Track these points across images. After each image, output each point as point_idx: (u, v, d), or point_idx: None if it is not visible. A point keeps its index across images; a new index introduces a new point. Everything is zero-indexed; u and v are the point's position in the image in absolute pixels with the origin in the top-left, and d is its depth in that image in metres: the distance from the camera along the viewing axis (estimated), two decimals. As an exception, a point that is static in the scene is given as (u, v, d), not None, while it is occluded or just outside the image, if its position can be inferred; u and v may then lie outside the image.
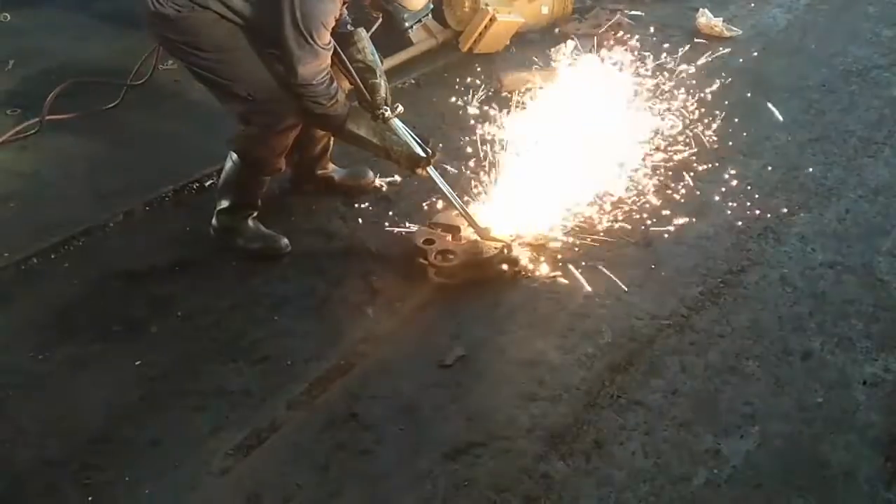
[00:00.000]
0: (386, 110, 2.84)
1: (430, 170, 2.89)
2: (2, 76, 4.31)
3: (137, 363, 2.52)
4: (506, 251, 2.86)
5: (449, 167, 3.39)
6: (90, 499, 2.10)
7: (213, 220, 3.01)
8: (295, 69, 2.59)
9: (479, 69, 4.40)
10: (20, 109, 3.97)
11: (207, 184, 3.38)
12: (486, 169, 3.42)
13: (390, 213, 3.21)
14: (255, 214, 3.03)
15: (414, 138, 2.87)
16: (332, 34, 2.79)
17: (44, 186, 3.39)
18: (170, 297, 2.79)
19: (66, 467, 2.18)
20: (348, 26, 2.93)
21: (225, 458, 2.21)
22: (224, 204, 2.98)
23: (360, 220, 3.19)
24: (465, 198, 3.05)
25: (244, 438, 2.26)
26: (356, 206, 3.27)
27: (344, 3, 2.72)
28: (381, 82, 2.86)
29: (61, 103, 3.82)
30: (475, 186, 3.26)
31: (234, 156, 2.89)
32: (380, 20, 4.29)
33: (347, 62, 2.82)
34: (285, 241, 3.01)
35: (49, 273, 2.92)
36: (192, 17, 2.57)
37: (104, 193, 3.32)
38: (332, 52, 2.68)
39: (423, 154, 2.85)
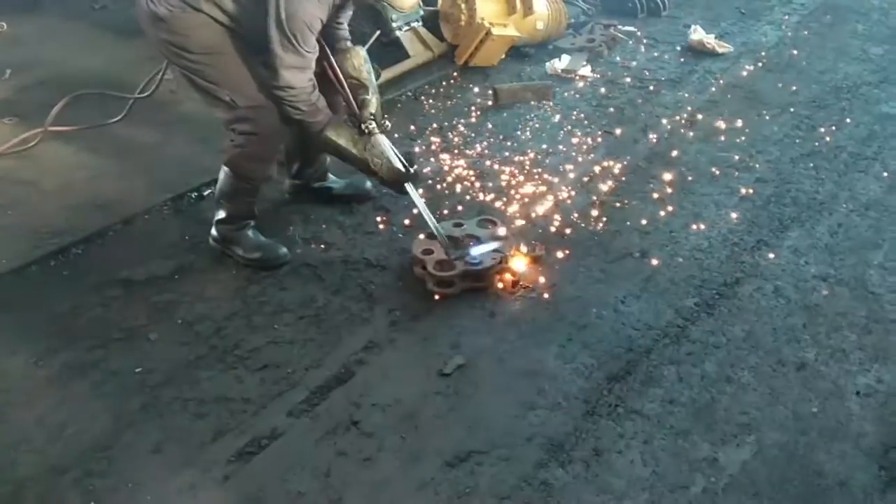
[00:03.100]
0: (371, 124, 2.87)
1: (409, 187, 2.91)
2: (-1, 85, 4.33)
3: (138, 370, 2.52)
4: (504, 262, 2.89)
5: (439, 180, 3.44)
6: (92, 504, 2.11)
7: (212, 230, 3.03)
8: (278, 71, 2.62)
9: (474, 82, 4.45)
10: (17, 118, 3.99)
11: (205, 193, 3.39)
12: (480, 180, 3.47)
13: (388, 223, 3.24)
14: (253, 224, 3.04)
15: (397, 156, 2.89)
16: (332, 50, 2.83)
17: (43, 195, 3.40)
18: (169, 305, 2.80)
19: (68, 473, 2.19)
20: (348, 42, 2.96)
21: (226, 464, 2.22)
22: (221, 214, 3.00)
23: (358, 230, 3.21)
24: (451, 214, 3.07)
25: (245, 445, 2.27)
26: (354, 216, 3.29)
27: (338, 8, 2.75)
28: (373, 99, 2.91)
29: (61, 113, 3.84)
30: (469, 198, 3.29)
31: (226, 167, 2.92)
32: (376, 35, 4.36)
33: (342, 76, 2.85)
34: (284, 249, 3.03)
35: (49, 280, 2.92)
36: (182, 17, 2.60)
37: (103, 202, 3.33)
38: (315, 56, 2.70)
39: (403, 170, 2.88)
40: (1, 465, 2.21)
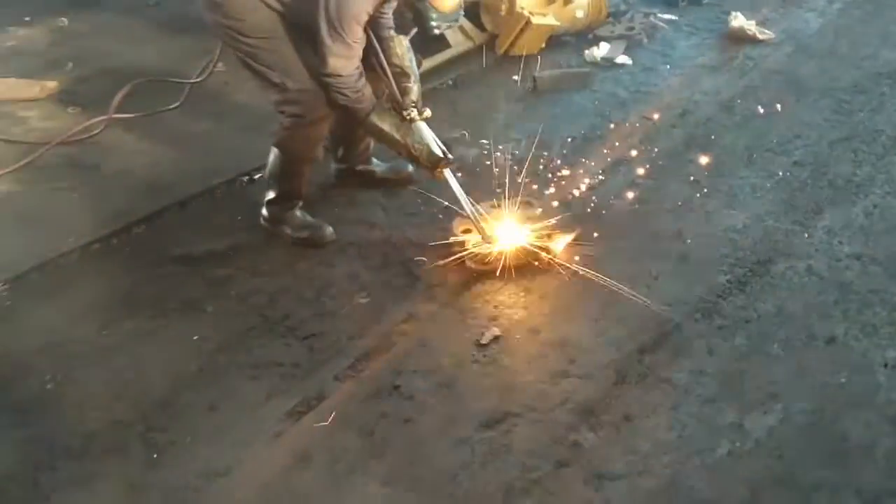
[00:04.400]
0: (412, 112, 2.98)
1: (447, 172, 3.02)
2: (62, 76, 4.56)
3: (195, 338, 2.70)
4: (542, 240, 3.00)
5: (478, 164, 3.55)
6: (155, 456, 2.29)
7: (263, 210, 3.19)
8: (326, 59, 2.74)
9: (514, 71, 4.54)
10: (80, 108, 4.22)
11: (256, 177, 3.55)
12: (519, 164, 3.56)
13: (429, 204, 3.36)
14: (301, 205, 3.20)
15: (437, 142, 3.00)
16: (377, 39, 2.96)
17: (104, 179, 3.61)
18: (224, 280, 2.97)
19: (133, 428, 2.37)
20: (391, 31, 3.09)
21: (277, 422, 2.38)
22: (271, 195, 3.16)
23: (400, 212, 3.34)
24: (489, 196, 3.20)
25: (295, 406, 2.43)
26: (397, 198, 3.43)
27: (383, 2, 2.87)
28: (414, 87, 3.00)
29: (122, 102, 4.05)
30: (507, 182, 3.39)
31: (276, 148, 3.08)
32: (416, 29, 4.46)
33: (385, 65, 2.98)
34: (330, 229, 3.17)
35: (111, 257, 3.12)
36: (237, 2, 2.75)
37: (161, 186, 3.52)
38: (362, 46, 2.81)
39: (441, 156, 2.99)
40: (72, 420, 2.41)
